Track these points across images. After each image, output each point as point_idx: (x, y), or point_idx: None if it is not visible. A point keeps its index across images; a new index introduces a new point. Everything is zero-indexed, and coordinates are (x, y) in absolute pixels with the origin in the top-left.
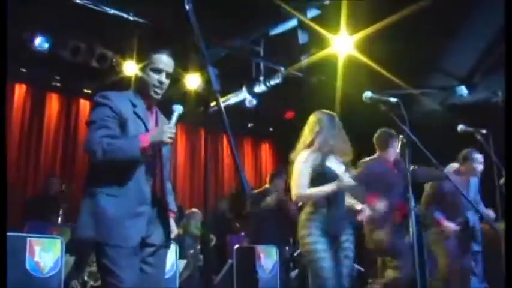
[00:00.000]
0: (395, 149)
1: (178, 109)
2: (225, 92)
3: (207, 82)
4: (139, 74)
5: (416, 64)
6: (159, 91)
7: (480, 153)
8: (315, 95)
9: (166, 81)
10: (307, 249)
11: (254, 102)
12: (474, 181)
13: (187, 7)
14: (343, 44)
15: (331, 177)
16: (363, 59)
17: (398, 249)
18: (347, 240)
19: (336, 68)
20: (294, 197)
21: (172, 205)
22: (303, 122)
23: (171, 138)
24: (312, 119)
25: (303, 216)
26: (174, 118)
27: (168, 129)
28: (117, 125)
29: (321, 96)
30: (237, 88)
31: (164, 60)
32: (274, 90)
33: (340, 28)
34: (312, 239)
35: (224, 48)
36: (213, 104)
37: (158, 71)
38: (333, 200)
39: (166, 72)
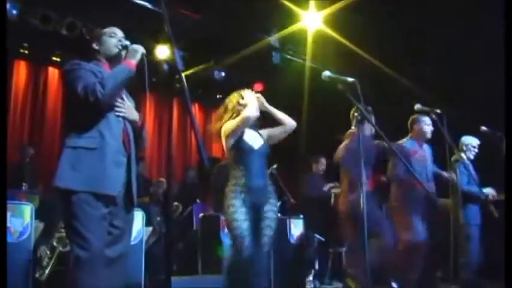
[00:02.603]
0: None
1: (139, 48)
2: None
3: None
4: (96, 46)
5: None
6: (120, 46)
7: (435, 133)
8: (284, 68)
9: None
10: (228, 219)
11: (222, 74)
12: (429, 150)
13: None
14: (312, 19)
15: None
16: (332, 33)
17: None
18: (270, 210)
19: (306, 43)
20: None
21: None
22: (271, 93)
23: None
24: None
25: (226, 188)
26: (139, 56)
27: (138, 46)
28: None
29: (290, 69)
30: (205, 60)
31: (116, 29)
32: (243, 62)
33: (309, 3)
34: (233, 209)
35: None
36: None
37: (114, 34)
38: (251, 171)
39: (122, 37)
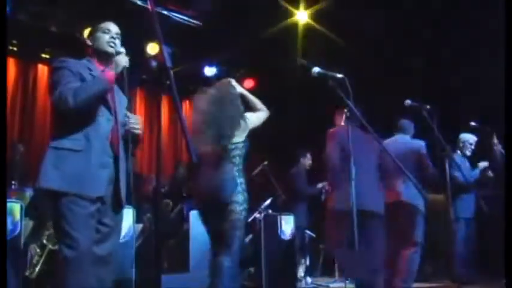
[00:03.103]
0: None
1: (121, 62)
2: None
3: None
4: (90, 41)
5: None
6: (113, 44)
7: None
8: (276, 64)
9: (117, 39)
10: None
11: (214, 71)
12: None
13: None
14: (302, 16)
15: None
16: (322, 29)
17: None
18: None
19: (296, 39)
20: None
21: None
22: (263, 90)
23: (127, 62)
24: None
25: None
26: (119, 69)
27: (123, 58)
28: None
29: (281, 65)
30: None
31: (111, 25)
32: (235, 58)
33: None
34: (246, 206)
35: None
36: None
37: (107, 31)
38: None
39: (115, 33)
